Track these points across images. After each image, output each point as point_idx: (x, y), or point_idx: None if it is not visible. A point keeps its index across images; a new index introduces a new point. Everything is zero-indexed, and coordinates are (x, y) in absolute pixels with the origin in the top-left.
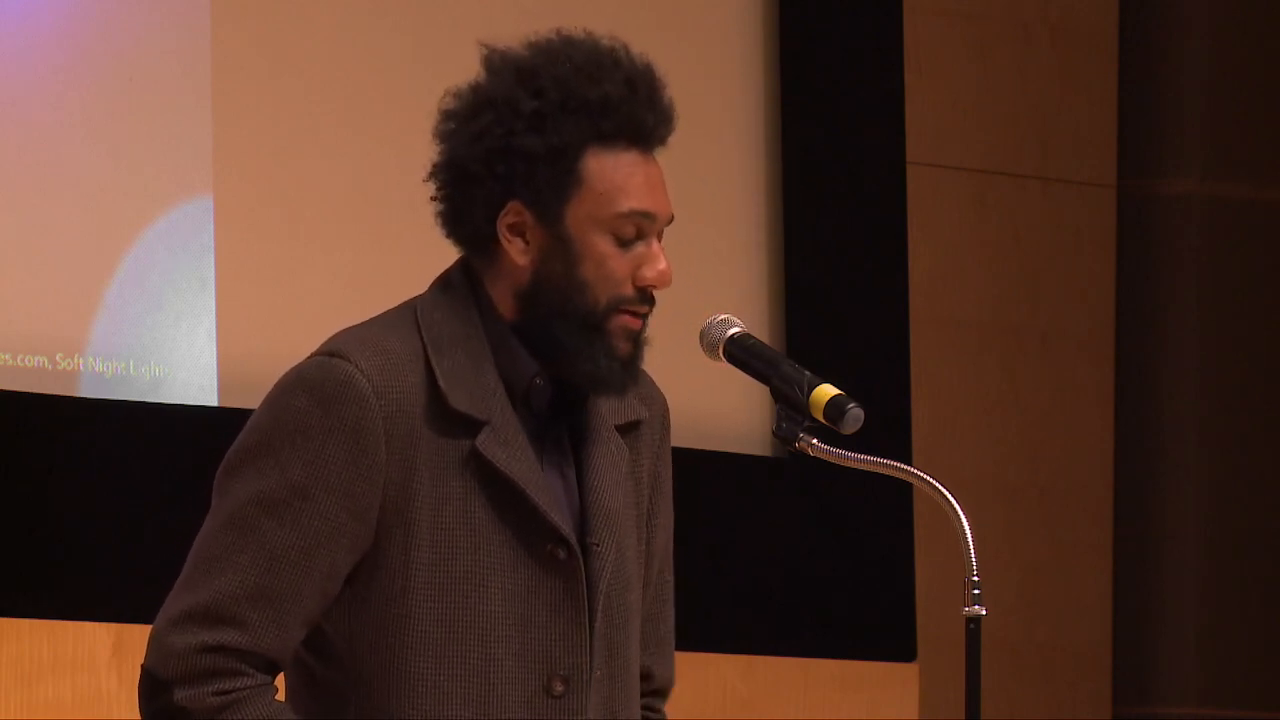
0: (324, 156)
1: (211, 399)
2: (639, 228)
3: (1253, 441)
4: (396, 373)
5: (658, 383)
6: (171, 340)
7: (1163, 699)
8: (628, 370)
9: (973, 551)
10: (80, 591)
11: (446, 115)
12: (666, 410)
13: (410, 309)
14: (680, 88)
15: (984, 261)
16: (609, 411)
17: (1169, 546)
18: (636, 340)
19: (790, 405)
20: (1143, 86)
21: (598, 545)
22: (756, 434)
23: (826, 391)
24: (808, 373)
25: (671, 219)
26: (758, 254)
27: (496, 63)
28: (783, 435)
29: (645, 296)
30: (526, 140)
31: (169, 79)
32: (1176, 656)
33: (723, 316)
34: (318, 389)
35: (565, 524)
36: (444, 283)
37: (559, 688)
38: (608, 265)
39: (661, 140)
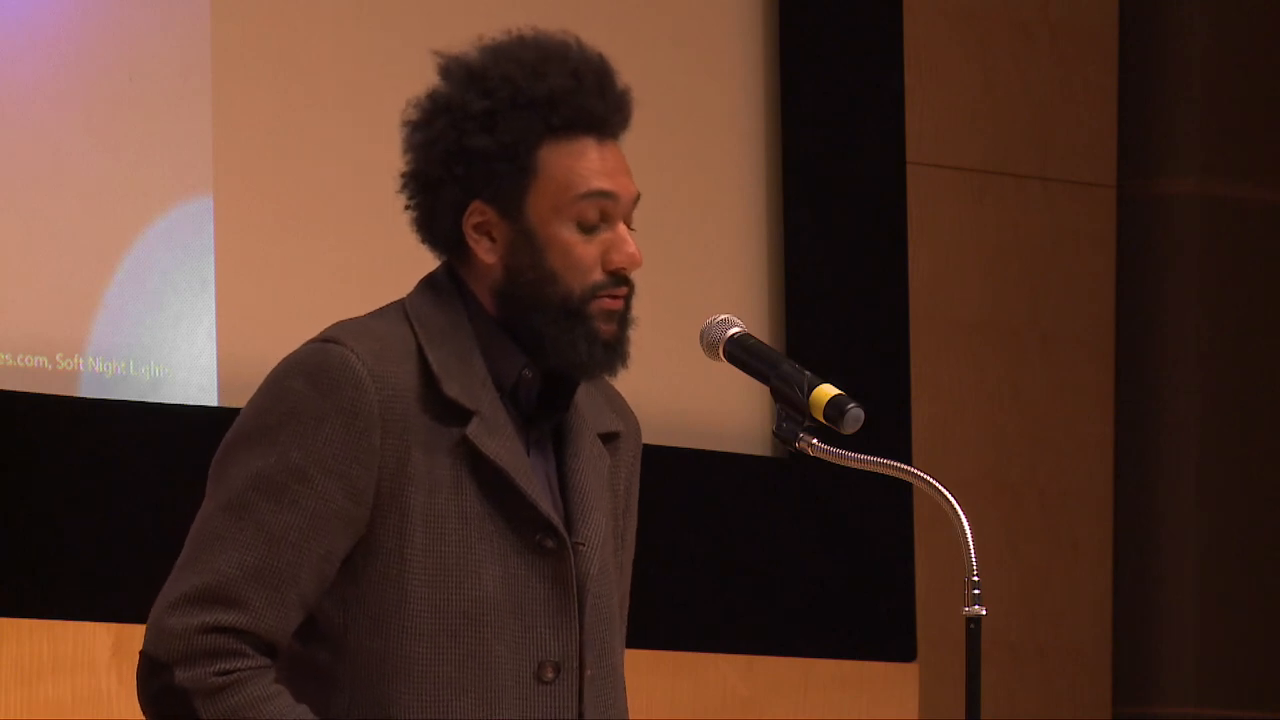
0: (324, 156)
1: (211, 399)
2: (602, 210)
3: (1253, 441)
4: (392, 359)
5: (660, 382)
6: (171, 340)
7: (1163, 699)
8: (613, 351)
9: (973, 551)
10: (80, 591)
11: (408, 126)
12: (640, 432)
13: (399, 305)
14: (680, 88)
15: (984, 261)
16: (592, 419)
17: (1169, 546)
18: (620, 320)
19: (790, 405)
20: (1143, 86)
21: (582, 545)
22: (756, 434)
23: (826, 391)
24: (808, 373)
25: (638, 198)
26: (758, 254)
27: (450, 68)
28: (783, 435)
29: (619, 279)
30: (479, 140)
31: (169, 79)
32: (1176, 656)
33: (723, 316)
34: (315, 373)
35: (553, 514)
36: (430, 282)
37: (550, 674)
38: (574, 253)
39: (618, 127)
